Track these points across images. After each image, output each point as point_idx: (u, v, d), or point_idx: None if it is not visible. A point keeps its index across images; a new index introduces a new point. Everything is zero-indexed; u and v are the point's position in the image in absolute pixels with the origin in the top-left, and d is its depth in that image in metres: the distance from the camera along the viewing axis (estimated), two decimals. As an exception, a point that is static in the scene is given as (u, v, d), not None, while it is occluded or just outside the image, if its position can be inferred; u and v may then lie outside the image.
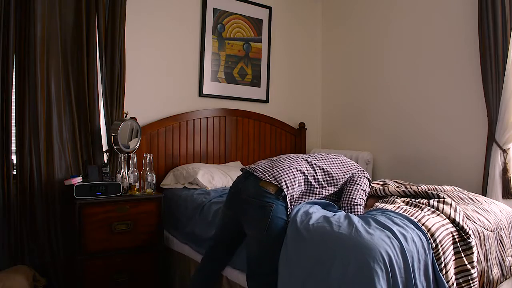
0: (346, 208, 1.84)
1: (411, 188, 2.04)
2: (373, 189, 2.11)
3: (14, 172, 2.39)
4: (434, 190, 2.05)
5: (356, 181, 1.93)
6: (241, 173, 1.90)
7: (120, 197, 2.37)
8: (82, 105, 2.57)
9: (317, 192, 1.87)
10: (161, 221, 2.49)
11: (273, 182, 1.71)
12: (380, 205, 1.86)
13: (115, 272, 2.33)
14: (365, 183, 1.95)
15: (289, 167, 1.81)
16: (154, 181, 2.57)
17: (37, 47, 2.37)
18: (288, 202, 1.72)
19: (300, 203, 1.82)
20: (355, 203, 1.84)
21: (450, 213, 1.70)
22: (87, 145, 2.58)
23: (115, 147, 2.54)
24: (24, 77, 2.37)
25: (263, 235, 1.67)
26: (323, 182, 1.88)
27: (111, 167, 2.60)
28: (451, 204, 1.77)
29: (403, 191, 2.03)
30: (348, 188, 1.91)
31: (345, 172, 1.96)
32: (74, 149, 2.54)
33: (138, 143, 2.64)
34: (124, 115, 2.73)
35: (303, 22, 3.86)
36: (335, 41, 3.83)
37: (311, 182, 1.84)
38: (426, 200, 1.86)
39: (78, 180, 2.34)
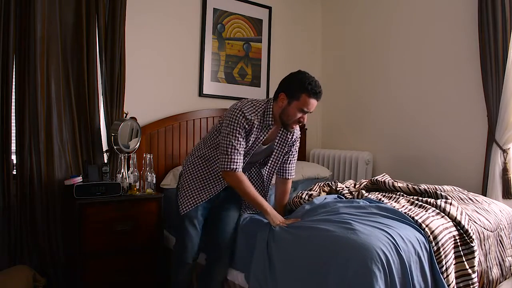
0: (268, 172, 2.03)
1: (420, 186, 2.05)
2: (381, 182, 2.11)
3: (14, 172, 2.39)
4: (435, 190, 2.05)
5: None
6: None
7: (120, 197, 2.37)
8: (82, 105, 2.57)
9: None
10: (161, 221, 2.49)
11: None
12: (383, 199, 1.86)
13: (115, 272, 2.33)
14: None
15: None
16: (154, 181, 2.57)
17: (37, 47, 2.37)
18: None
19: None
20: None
21: (456, 215, 1.70)
22: (87, 145, 2.59)
23: (115, 147, 2.54)
24: (24, 77, 2.37)
25: None
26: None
27: (111, 167, 2.60)
28: (457, 207, 1.76)
29: (413, 187, 2.03)
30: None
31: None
32: (74, 149, 2.54)
33: (138, 143, 2.64)
34: (124, 115, 2.73)
35: (303, 22, 3.86)
36: (335, 41, 3.82)
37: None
38: (433, 200, 1.85)
39: (78, 180, 2.34)
